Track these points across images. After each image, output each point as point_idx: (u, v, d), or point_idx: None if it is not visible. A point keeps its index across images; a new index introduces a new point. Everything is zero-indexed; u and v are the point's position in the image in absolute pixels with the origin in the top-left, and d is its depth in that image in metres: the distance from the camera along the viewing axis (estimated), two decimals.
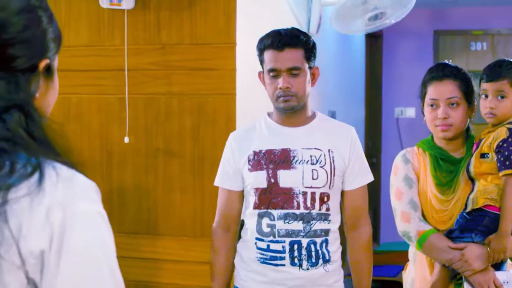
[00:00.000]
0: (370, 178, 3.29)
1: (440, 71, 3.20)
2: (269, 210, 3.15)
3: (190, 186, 4.10)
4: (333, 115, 6.26)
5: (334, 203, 3.19)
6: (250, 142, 3.22)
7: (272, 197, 3.14)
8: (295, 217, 3.12)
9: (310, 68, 3.17)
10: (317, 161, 3.14)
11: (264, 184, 3.15)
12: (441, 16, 8.94)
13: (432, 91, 3.19)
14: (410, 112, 8.78)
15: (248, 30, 4.16)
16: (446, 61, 3.29)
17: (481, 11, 8.77)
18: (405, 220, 3.19)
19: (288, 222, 3.12)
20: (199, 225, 4.10)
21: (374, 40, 8.67)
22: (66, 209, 1.35)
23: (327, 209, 3.15)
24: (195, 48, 4.07)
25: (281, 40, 3.11)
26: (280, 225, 3.12)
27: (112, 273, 1.41)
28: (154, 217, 4.18)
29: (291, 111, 3.16)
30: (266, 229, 3.16)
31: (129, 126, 4.17)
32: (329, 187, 3.14)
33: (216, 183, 3.33)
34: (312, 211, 3.12)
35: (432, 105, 3.19)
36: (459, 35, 8.98)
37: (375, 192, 8.28)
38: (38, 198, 1.33)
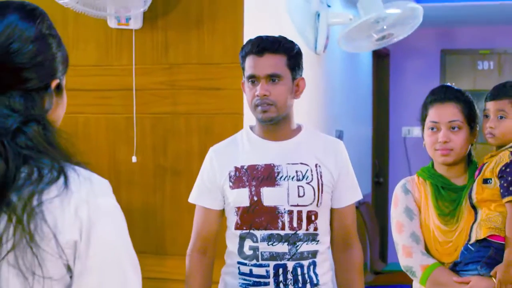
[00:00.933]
0: (359, 195, 3.10)
1: (442, 93, 3.09)
2: (251, 231, 2.92)
3: None
4: (340, 134, 6.27)
5: (322, 222, 2.97)
6: (232, 157, 3.01)
7: (255, 217, 2.91)
8: (280, 239, 2.88)
9: (294, 78, 2.96)
10: (303, 177, 2.92)
11: (246, 203, 2.91)
12: (448, 35, 8.95)
13: (433, 113, 3.06)
14: (417, 131, 8.75)
15: None
16: (449, 84, 3.21)
17: (487, 30, 8.78)
18: (407, 254, 3.04)
19: (272, 244, 2.89)
20: None
21: (381, 59, 8.67)
22: (90, 205, 1.61)
23: (315, 229, 2.93)
24: (203, 68, 4.09)
25: (260, 44, 2.92)
26: (263, 247, 2.89)
27: (129, 255, 1.69)
28: (162, 236, 4.18)
29: (271, 123, 2.94)
30: (248, 252, 2.93)
31: (136, 146, 4.18)
32: (317, 204, 2.93)
33: (191, 200, 3.13)
34: (298, 232, 2.90)
35: (432, 128, 3.05)
36: (466, 54, 8.99)
37: (382, 211, 8.25)
38: (67, 197, 1.59)
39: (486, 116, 3.05)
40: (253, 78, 2.93)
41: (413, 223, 3.07)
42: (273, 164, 2.93)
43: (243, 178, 2.93)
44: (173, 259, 4.16)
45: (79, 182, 1.63)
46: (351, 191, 3.06)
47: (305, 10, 5.15)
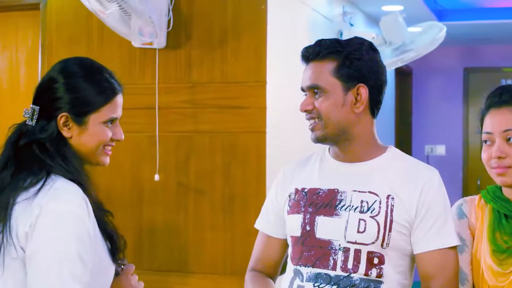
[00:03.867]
0: (450, 241, 2.37)
1: (497, 97, 2.41)
2: (299, 267, 2.41)
3: (221, 224, 4.10)
4: None
5: (391, 268, 2.35)
6: (296, 177, 2.55)
7: (305, 250, 2.40)
8: (328, 280, 2.34)
9: (347, 88, 2.40)
10: (368, 209, 2.35)
11: (298, 232, 2.43)
12: (471, 54, 8.93)
13: (488, 122, 2.41)
14: (440, 149, 8.74)
15: (279, 69, 4.18)
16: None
17: (511, 48, 8.75)
18: None
19: (318, 286, 2.36)
20: (230, 262, 4.08)
21: (403, 77, 8.66)
22: (43, 208, 2.02)
23: (379, 275, 2.33)
24: (226, 87, 4.10)
25: (307, 50, 2.48)
26: None
27: (69, 260, 2.00)
28: (185, 254, 4.18)
29: (323, 143, 2.47)
30: None
31: (159, 164, 4.19)
32: (382, 245, 2.33)
33: (256, 225, 2.69)
34: (352, 275, 2.32)
35: (486, 141, 2.41)
36: (490, 72, 8.97)
37: None
38: (32, 201, 2.04)
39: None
40: (303, 92, 2.50)
41: (462, 257, 2.44)
42: (337, 190, 2.42)
43: (301, 202, 2.46)
44: (196, 277, 4.16)
45: (47, 190, 2.05)
46: (437, 233, 2.36)
47: (328, 29, 5.16)
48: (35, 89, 2.22)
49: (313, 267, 2.37)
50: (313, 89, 2.42)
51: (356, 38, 2.49)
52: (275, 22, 4.12)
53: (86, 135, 2.20)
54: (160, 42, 4.10)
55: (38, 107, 2.18)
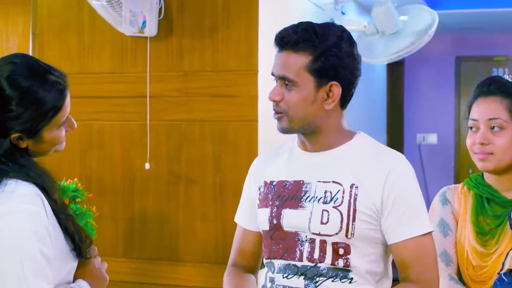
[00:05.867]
0: (423, 228, 2.30)
1: (486, 86, 2.51)
2: (271, 260, 2.39)
3: (212, 213, 4.10)
4: None
5: (359, 258, 2.30)
6: (266, 169, 2.50)
7: (273, 244, 2.39)
8: (295, 271, 2.33)
9: (320, 84, 2.29)
10: (331, 199, 2.29)
11: (266, 226, 2.40)
12: (462, 42, 8.94)
13: (475, 110, 2.52)
14: (432, 138, 8.75)
15: (270, 57, 4.16)
16: (502, 75, 2.62)
17: (502, 37, 8.76)
18: None
19: (287, 277, 2.34)
20: (221, 251, 4.09)
21: (395, 66, 8.66)
22: None
23: (346, 265, 2.28)
24: (217, 75, 4.09)
25: (282, 35, 2.35)
26: (278, 280, 2.36)
27: (31, 259, 1.97)
28: (176, 243, 4.18)
29: (289, 133, 2.40)
30: (268, 284, 2.41)
31: (150, 153, 4.18)
32: (346, 235, 2.27)
33: (235, 219, 2.66)
34: (319, 265, 2.29)
35: (471, 128, 2.54)
36: (481, 61, 8.97)
37: None
38: None
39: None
40: (273, 76, 2.38)
41: (446, 240, 2.54)
42: (303, 182, 2.36)
43: (269, 196, 2.42)
44: (186, 266, 4.16)
45: (2, 193, 2.03)
46: (408, 221, 2.28)
47: (320, 17, 5.15)
48: None
49: (281, 259, 2.35)
50: (284, 80, 2.31)
51: (334, 28, 2.35)
52: (266, 10, 4.12)
53: (42, 144, 2.16)
54: (151, 30, 4.09)
55: None
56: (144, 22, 4.04)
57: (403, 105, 8.99)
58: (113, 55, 4.28)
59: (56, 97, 2.12)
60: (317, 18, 5.09)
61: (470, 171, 8.51)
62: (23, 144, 2.14)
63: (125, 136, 4.27)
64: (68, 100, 2.17)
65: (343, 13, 5.47)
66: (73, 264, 2.18)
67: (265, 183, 2.45)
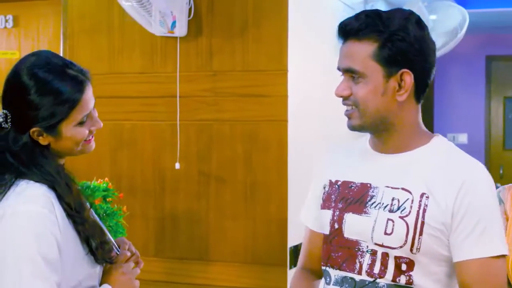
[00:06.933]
0: (494, 249, 2.04)
1: None
2: (327, 269, 2.22)
3: (242, 213, 4.10)
4: None
5: (423, 275, 2.08)
6: (332, 166, 2.31)
7: (332, 250, 2.20)
8: (353, 285, 2.13)
9: (389, 73, 2.10)
10: (398, 208, 2.08)
11: (327, 230, 2.22)
12: (493, 41, 8.88)
13: None
14: (463, 138, 8.69)
15: (300, 57, 4.16)
16: None
17: None
18: None
19: None
20: (251, 251, 4.09)
21: None
22: (6, 209, 2.03)
23: (409, 282, 2.07)
24: (247, 75, 4.09)
25: (345, 26, 2.17)
26: None
27: (30, 260, 1.99)
28: (206, 243, 4.19)
29: (359, 131, 2.20)
30: None
31: (180, 153, 4.19)
32: (411, 250, 2.06)
33: (300, 217, 2.46)
34: (378, 280, 2.09)
35: None
36: None
37: None
38: (1, 204, 2.06)
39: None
40: (338, 71, 2.19)
41: None
42: (370, 185, 2.17)
43: (332, 196, 2.24)
44: (216, 265, 4.16)
45: (11, 193, 2.06)
46: (477, 239, 2.04)
47: (349, 15, 5.13)
48: (4, 91, 2.17)
49: (339, 270, 2.17)
50: (350, 73, 2.12)
51: (400, 12, 2.15)
52: (296, 9, 4.11)
53: (63, 140, 2.16)
54: (181, 30, 4.10)
55: (10, 114, 2.15)
56: (174, 22, 4.04)
57: (433, 105, 8.94)
58: (143, 55, 4.30)
59: (73, 90, 2.13)
60: (347, 17, 5.07)
61: (501, 171, 8.46)
62: (44, 141, 2.15)
63: (155, 136, 4.28)
64: (88, 96, 2.17)
65: None
66: (92, 269, 2.18)
67: (330, 182, 2.27)
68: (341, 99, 2.16)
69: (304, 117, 4.22)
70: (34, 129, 2.12)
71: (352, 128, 2.16)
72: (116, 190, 3.69)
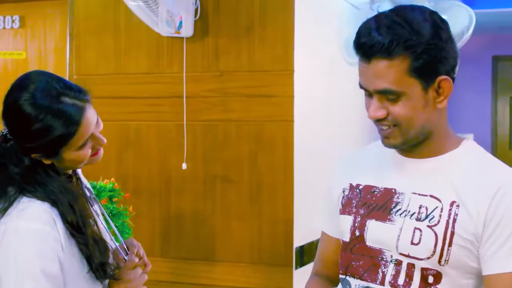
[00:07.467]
0: None
1: None
2: (347, 278, 2.11)
3: (248, 213, 4.10)
4: None
5: None
6: (351, 170, 2.20)
7: (353, 259, 2.09)
8: None
9: (427, 85, 1.97)
10: (426, 217, 1.96)
11: (347, 236, 2.12)
12: (499, 42, 8.87)
13: None
14: (469, 138, 8.68)
15: (306, 57, 4.16)
16: None
17: None
18: None
19: None
20: (257, 252, 4.09)
21: None
22: (7, 225, 2.05)
23: None
24: (253, 75, 4.09)
25: (366, 43, 1.93)
26: None
27: (30, 275, 2.01)
28: (212, 243, 4.18)
29: (399, 148, 2.07)
30: None
31: (186, 153, 4.19)
32: (439, 261, 1.94)
33: (317, 222, 2.39)
34: None
35: None
36: None
37: None
38: (2, 220, 2.07)
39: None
40: (363, 89, 2.03)
41: None
42: (395, 190, 2.05)
43: (353, 201, 2.13)
44: (222, 266, 4.16)
45: (14, 210, 2.08)
46: (509, 252, 1.90)
47: (355, 17, 5.13)
48: (3, 113, 2.16)
49: (360, 279, 2.05)
50: (386, 94, 1.95)
51: (420, 13, 1.96)
52: (302, 9, 4.11)
53: (66, 162, 2.18)
54: (187, 31, 4.10)
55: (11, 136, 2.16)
56: (180, 23, 4.04)
57: None
58: (150, 55, 4.30)
59: (70, 122, 2.10)
60: (353, 17, 5.07)
61: None
62: (47, 161, 2.17)
63: (162, 136, 4.29)
64: (87, 121, 2.13)
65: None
66: (96, 286, 2.20)
67: (351, 186, 2.16)
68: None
69: (310, 118, 4.22)
70: (35, 155, 2.15)
71: (392, 147, 2.05)
72: (122, 191, 3.70)
